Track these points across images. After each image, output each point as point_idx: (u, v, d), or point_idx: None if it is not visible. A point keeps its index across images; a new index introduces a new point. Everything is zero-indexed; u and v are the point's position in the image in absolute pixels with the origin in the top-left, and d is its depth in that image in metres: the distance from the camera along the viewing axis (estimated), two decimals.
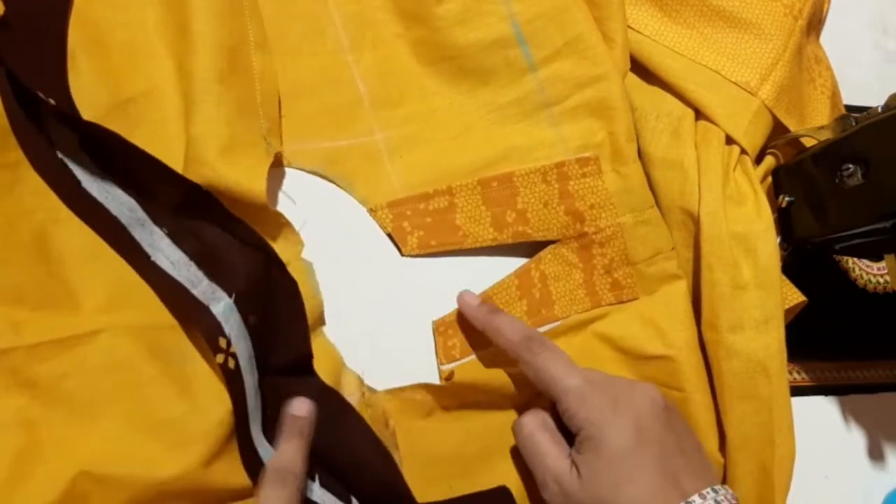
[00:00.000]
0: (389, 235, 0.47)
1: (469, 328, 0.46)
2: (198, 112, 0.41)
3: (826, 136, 0.49)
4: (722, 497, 0.36)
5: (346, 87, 0.48)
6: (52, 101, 0.38)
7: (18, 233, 0.39)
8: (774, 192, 0.50)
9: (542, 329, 0.48)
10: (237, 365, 0.38)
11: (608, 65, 0.47)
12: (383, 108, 0.48)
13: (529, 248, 0.49)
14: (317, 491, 0.39)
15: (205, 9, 0.42)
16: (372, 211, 0.47)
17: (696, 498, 0.36)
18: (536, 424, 0.41)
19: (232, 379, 0.38)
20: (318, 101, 0.47)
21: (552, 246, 0.48)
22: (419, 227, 0.47)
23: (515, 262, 0.49)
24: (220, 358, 0.37)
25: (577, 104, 0.48)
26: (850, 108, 0.54)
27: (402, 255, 0.47)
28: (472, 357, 0.46)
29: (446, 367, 0.45)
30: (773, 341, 0.44)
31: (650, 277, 0.48)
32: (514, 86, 0.49)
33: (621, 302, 0.49)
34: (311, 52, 0.48)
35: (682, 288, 0.48)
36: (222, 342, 0.38)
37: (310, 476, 0.39)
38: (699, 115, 0.48)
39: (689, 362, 0.46)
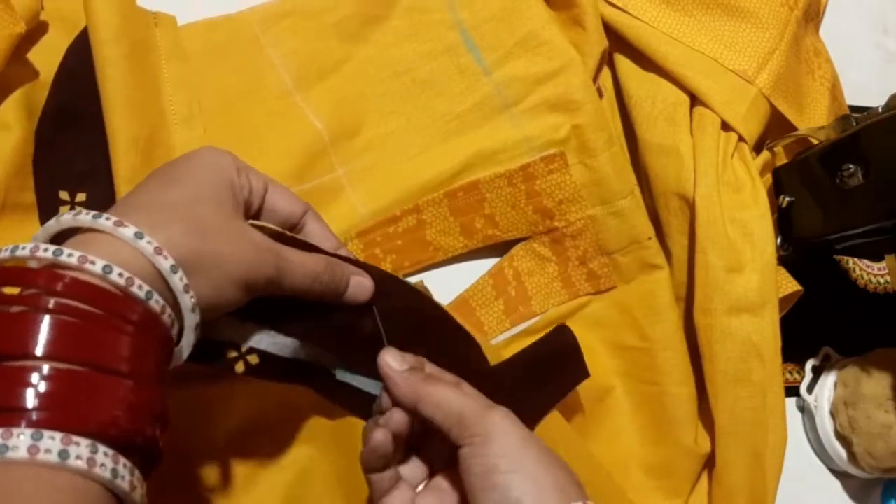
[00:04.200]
0: None
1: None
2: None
3: (826, 135, 0.49)
4: None
5: (302, 126, 0.46)
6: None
7: None
8: (775, 192, 0.50)
9: (521, 326, 0.47)
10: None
11: (566, 57, 0.47)
12: (342, 139, 0.47)
13: (500, 247, 0.48)
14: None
15: (117, 100, 0.40)
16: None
17: None
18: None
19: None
20: (278, 148, 0.46)
21: (524, 242, 0.48)
22: (391, 252, 0.46)
23: (487, 263, 0.48)
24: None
25: (537, 102, 0.47)
26: (850, 108, 0.54)
27: None
28: None
29: None
30: (767, 325, 0.43)
31: (626, 266, 0.48)
32: (470, 92, 0.48)
33: (599, 292, 0.49)
34: (257, 100, 0.46)
35: (661, 278, 0.47)
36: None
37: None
38: (694, 101, 0.48)
39: (663, 356, 0.46)
